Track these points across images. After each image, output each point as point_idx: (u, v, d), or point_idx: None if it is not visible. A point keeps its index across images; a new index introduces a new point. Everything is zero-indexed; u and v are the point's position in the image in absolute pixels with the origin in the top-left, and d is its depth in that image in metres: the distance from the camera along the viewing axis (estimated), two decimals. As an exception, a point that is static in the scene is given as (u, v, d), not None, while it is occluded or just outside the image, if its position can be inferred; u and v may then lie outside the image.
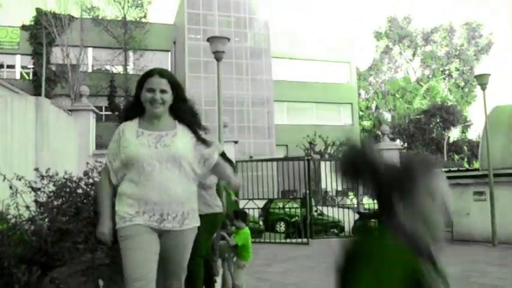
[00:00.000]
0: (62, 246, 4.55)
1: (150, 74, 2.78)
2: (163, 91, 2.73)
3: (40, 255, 4.49)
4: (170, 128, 2.79)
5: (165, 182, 2.63)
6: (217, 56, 10.03)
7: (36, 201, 5.03)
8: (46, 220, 4.84)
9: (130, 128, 2.79)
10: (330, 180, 13.44)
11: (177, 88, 2.82)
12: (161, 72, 2.79)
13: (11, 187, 4.82)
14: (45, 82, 23.22)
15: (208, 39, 10.26)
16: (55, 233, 4.59)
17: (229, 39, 10.57)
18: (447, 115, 37.83)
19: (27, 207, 4.91)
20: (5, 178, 4.92)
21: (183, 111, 2.86)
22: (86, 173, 6.00)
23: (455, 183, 12.01)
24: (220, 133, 9.57)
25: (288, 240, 12.55)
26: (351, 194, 18.46)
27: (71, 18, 24.65)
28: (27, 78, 26.81)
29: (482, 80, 11.62)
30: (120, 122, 2.88)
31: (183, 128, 2.82)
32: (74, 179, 5.85)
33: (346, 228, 14.78)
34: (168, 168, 2.66)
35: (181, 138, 2.76)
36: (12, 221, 4.78)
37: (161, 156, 2.66)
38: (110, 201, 2.81)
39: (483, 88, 11.58)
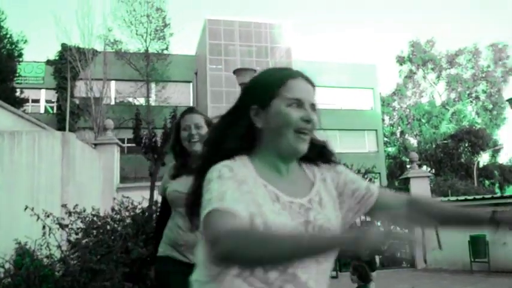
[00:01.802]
0: (94, 286, 4.54)
1: (291, 75, 1.53)
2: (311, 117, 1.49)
3: None
4: (306, 185, 1.50)
5: None
6: None
7: (69, 241, 5.08)
8: (76, 260, 4.86)
9: (250, 177, 1.40)
10: None
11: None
12: (308, 79, 1.56)
13: (44, 227, 4.85)
14: (68, 115, 23.38)
15: (234, 72, 10.33)
16: (87, 273, 4.59)
17: (255, 71, 10.44)
18: (476, 139, 36.70)
19: (59, 246, 4.92)
20: (38, 218, 4.92)
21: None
22: (113, 209, 6.27)
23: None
24: None
25: (316, 275, 11.93)
26: (378, 223, 17.87)
27: (95, 52, 24.90)
28: (51, 112, 27.22)
29: (514, 104, 11.22)
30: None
31: (322, 180, 1.55)
32: (101, 214, 6.00)
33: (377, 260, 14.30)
34: (322, 271, 1.42)
35: (330, 206, 1.49)
36: (44, 260, 4.80)
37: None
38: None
39: (516, 111, 11.18)
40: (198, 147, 2.50)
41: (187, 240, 2.65)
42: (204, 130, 2.57)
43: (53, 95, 26.80)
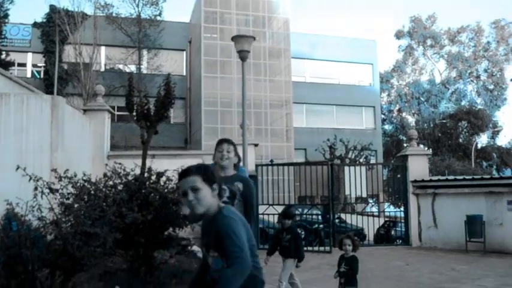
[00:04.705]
0: (87, 250, 4.44)
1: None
2: None
3: (64, 259, 4.36)
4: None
5: None
6: (243, 55, 9.67)
7: (62, 204, 4.98)
8: (69, 223, 4.73)
9: None
10: (353, 186, 12.79)
11: None
12: None
13: (36, 188, 4.67)
14: (56, 81, 22.63)
15: (232, 39, 10.04)
16: (81, 237, 4.44)
17: (254, 38, 10.24)
18: (475, 120, 36.21)
19: (52, 209, 4.78)
20: (30, 178, 4.72)
21: None
22: (105, 175, 6.19)
23: (488, 191, 11.61)
24: (244, 135, 9.46)
25: (310, 248, 11.82)
26: (371, 200, 17.52)
27: (84, 15, 24.07)
28: (38, 76, 26.44)
29: (518, 83, 10.86)
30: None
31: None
32: (93, 180, 5.95)
33: (370, 237, 14.66)
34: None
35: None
36: (35, 223, 4.65)
37: None
38: None
39: (520, 91, 10.83)
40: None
41: None
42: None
43: (40, 59, 26.02)
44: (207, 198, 2.47)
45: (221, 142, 4.28)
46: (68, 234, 4.47)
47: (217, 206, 2.51)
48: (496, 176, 17.02)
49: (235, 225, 2.39)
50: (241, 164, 5.51)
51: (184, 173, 2.53)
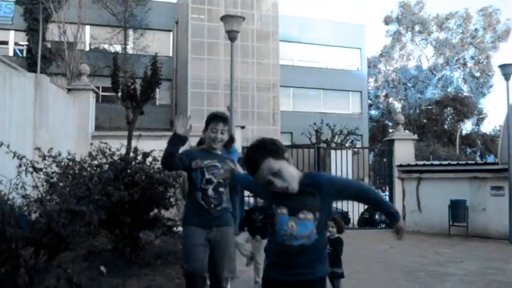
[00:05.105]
0: (73, 229, 4.42)
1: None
2: None
3: (49, 237, 4.30)
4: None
5: None
6: (232, 36, 9.62)
7: (47, 181, 4.98)
8: (54, 201, 4.73)
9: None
10: (339, 170, 12.73)
11: None
12: None
13: (20, 165, 4.62)
14: (40, 60, 22.17)
15: (221, 18, 9.93)
16: (66, 214, 4.38)
17: (244, 18, 10.11)
18: (461, 106, 36.55)
19: (36, 186, 4.74)
20: (14, 155, 4.61)
21: None
22: (90, 154, 6.18)
23: (473, 176, 11.73)
24: (232, 117, 9.33)
25: (295, 232, 11.80)
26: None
27: (69, -7, 23.44)
28: (21, 55, 25.82)
29: (506, 70, 11.28)
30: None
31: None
32: (77, 160, 5.94)
33: (354, 220, 14.65)
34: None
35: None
36: (18, 201, 4.58)
37: None
38: None
39: (507, 78, 11.25)
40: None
41: None
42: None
43: (22, 37, 25.33)
44: (291, 171, 2.29)
45: (217, 120, 3.59)
46: (53, 212, 4.40)
47: (298, 171, 2.34)
48: (481, 161, 17.25)
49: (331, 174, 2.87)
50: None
51: (254, 164, 2.29)
